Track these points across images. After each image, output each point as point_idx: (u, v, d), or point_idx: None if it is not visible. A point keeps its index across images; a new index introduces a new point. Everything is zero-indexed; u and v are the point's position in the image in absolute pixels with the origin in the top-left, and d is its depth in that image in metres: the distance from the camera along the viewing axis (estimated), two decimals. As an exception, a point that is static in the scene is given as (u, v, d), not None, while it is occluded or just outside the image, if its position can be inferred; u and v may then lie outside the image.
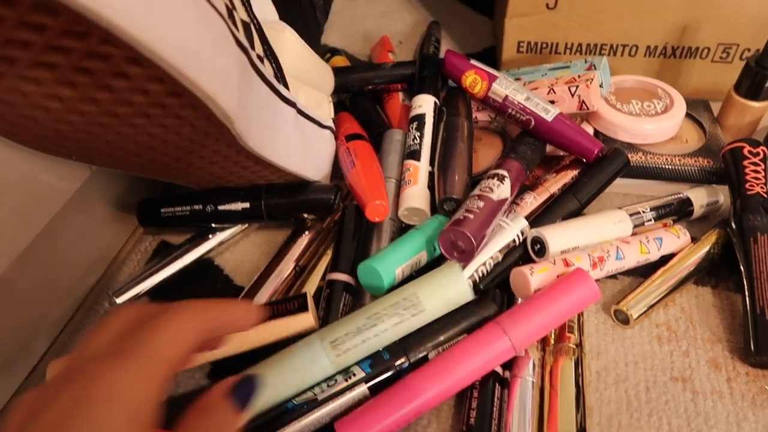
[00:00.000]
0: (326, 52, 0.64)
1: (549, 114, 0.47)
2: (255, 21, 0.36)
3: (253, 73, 0.34)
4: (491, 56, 0.66)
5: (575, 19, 0.55)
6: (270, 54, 0.37)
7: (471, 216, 0.40)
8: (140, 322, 0.22)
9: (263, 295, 0.42)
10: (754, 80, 0.49)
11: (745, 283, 0.41)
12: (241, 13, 0.34)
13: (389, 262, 0.40)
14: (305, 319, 0.37)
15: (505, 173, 0.44)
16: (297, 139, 0.42)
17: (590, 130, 0.52)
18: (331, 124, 0.47)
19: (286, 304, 0.38)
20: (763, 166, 0.45)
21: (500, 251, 0.42)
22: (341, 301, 0.41)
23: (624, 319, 0.41)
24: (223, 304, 0.25)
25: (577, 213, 0.45)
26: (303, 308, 0.37)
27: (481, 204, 0.41)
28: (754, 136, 0.53)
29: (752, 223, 0.42)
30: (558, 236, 0.41)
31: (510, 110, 0.48)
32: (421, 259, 0.42)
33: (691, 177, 0.49)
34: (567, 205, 0.45)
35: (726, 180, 0.47)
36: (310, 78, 0.43)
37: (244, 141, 0.35)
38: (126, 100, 0.27)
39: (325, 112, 0.47)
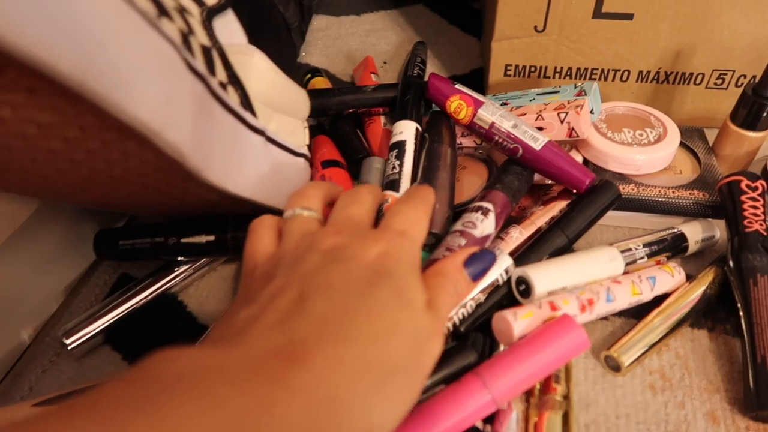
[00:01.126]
0: (306, 73, 0.61)
1: (537, 142, 0.44)
2: (217, 45, 0.33)
3: (213, 102, 0.31)
4: (479, 78, 0.64)
5: (565, 42, 0.53)
6: (235, 80, 0.35)
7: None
8: (377, 203, 0.34)
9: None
10: (751, 109, 0.46)
11: (744, 328, 0.38)
12: (200, 37, 0.31)
13: None
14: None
15: (489, 206, 0.41)
16: (267, 169, 0.39)
17: (579, 159, 0.50)
18: (305, 151, 0.45)
19: None
20: (762, 202, 0.42)
21: (482, 291, 0.39)
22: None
23: (615, 366, 0.38)
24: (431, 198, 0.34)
25: (566, 249, 0.42)
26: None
27: (463, 242, 0.38)
28: (750, 168, 0.51)
29: (751, 264, 0.39)
30: (545, 276, 0.38)
31: (496, 138, 0.45)
32: None
33: (685, 210, 0.46)
34: (554, 241, 0.42)
35: (722, 214, 0.44)
36: (283, 104, 0.41)
37: (203, 175, 0.32)
38: (59, 135, 0.24)
39: (299, 138, 0.44)
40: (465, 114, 0.46)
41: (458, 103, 0.46)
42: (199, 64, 0.30)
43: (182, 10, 0.30)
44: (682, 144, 0.50)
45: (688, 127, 0.52)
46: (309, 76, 0.60)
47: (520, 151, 0.44)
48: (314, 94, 0.51)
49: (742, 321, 0.38)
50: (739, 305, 0.39)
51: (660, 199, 0.46)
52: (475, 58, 0.68)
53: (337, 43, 0.71)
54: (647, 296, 0.40)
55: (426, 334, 0.25)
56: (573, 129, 0.47)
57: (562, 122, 0.47)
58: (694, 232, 0.44)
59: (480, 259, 0.31)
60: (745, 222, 0.41)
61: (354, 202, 0.31)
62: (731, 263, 0.41)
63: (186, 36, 0.29)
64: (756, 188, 0.43)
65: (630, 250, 0.42)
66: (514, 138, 0.44)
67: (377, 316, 0.23)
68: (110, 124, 0.24)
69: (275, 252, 0.30)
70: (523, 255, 0.41)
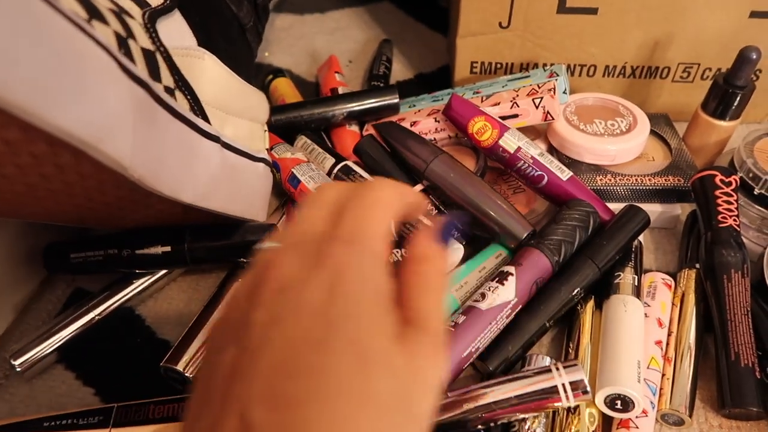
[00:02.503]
0: (268, 73, 0.59)
1: (564, 173, 0.43)
2: (162, 49, 0.31)
3: (158, 109, 0.30)
4: (445, 76, 0.63)
5: (530, 38, 0.52)
6: (183, 85, 0.33)
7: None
8: (345, 198, 0.24)
9: (195, 349, 0.37)
10: (722, 99, 0.46)
11: (716, 325, 0.38)
12: (142, 41, 0.29)
13: None
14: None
15: (511, 271, 0.38)
16: (224, 177, 0.38)
17: (543, 147, 0.49)
18: (265, 155, 0.43)
19: None
20: (735, 197, 0.42)
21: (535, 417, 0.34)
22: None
23: (677, 421, 0.35)
24: (408, 190, 0.26)
25: (596, 281, 0.39)
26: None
27: (462, 318, 0.36)
28: (719, 159, 0.50)
29: (725, 259, 0.39)
30: (633, 379, 0.34)
31: (520, 163, 0.44)
32: None
33: (663, 197, 0.46)
34: (585, 272, 0.38)
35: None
36: (239, 108, 0.39)
37: (150, 186, 0.30)
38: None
39: (259, 143, 0.42)
40: (489, 135, 0.44)
41: (483, 125, 0.45)
42: (140, 69, 0.28)
43: (120, 12, 0.29)
44: (651, 131, 0.50)
45: (654, 114, 0.52)
46: (271, 77, 0.59)
47: (545, 180, 0.43)
48: (277, 111, 0.50)
49: (715, 319, 0.38)
50: (711, 303, 0.38)
51: (638, 188, 0.46)
52: (442, 55, 0.67)
53: (301, 42, 0.69)
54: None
55: (408, 381, 0.20)
56: (548, 113, 0.46)
57: (537, 107, 0.47)
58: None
59: (448, 227, 0.26)
60: (719, 217, 0.41)
61: (305, 211, 0.25)
62: (704, 259, 0.40)
63: (124, 40, 0.27)
64: (730, 183, 0.42)
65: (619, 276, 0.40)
66: (540, 166, 0.43)
67: (336, 397, 0.18)
68: (37, 137, 0.22)
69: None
70: (550, 286, 0.38)
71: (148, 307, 0.42)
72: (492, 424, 0.33)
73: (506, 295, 0.36)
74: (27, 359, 0.37)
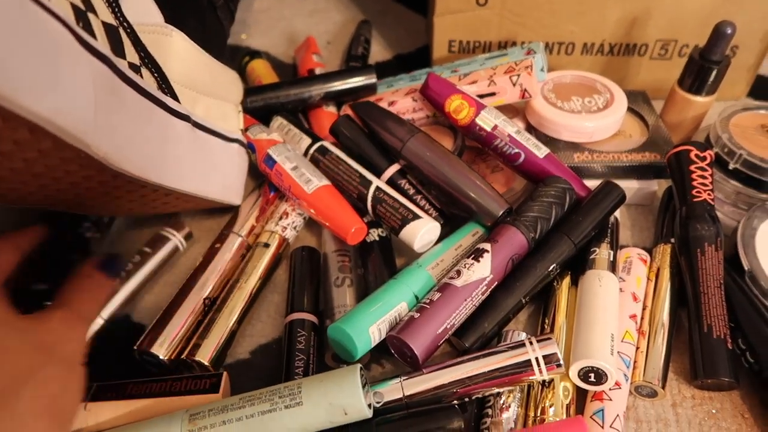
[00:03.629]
0: (245, 55, 0.58)
1: (541, 150, 0.43)
2: (126, 24, 0.31)
3: (122, 85, 0.29)
4: (424, 57, 0.62)
5: (508, 16, 0.52)
6: (149, 62, 0.32)
7: (417, 315, 0.34)
8: None
9: (170, 333, 0.37)
10: (698, 74, 0.46)
11: (689, 298, 0.38)
12: (103, 15, 0.29)
13: (360, 321, 0.34)
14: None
15: (487, 248, 0.37)
16: (196, 157, 0.37)
17: (521, 125, 0.49)
18: (239, 136, 0.43)
19: (197, 381, 0.33)
20: (710, 171, 0.42)
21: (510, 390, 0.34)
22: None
23: (651, 393, 0.35)
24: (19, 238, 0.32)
25: (572, 257, 0.39)
26: (214, 390, 0.33)
27: (437, 296, 0.35)
28: (696, 134, 0.51)
29: (699, 233, 0.39)
30: (607, 353, 0.33)
31: (497, 142, 0.44)
32: (401, 312, 0.36)
33: (641, 172, 0.46)
34: (561, 248, 0.38)
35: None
36: (210, 87, 0.38)
37: (117, 165, 0.29)
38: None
39: (232, 123, 0.42)
40: (466, 114, 0.44)
41: (459, 103, 0.44)
42: (101, 44, 0.27)
43: (79, -14, 0.28)
44: (629, 108, 0.50)
45: (632, 92, 0.52)
46: (247, 59, 0.58)
47: (522, 158, 0.43)
48: (251, 92, 0.49)
49: (688, 290, 0.38)
50: (685, 276, 0.39)
51: (615, 164, 0.46)
52: (421, 35, 0.66)
53: (280, 24, 0.69)
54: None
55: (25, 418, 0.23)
56: (525, 90, 0.46)
57: (514, 85, 0.46)
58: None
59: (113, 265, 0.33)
60: (694, 192, 0.41)
61: None
62: (679, 232, 0.40)
63: (83, 12, 0.26)
64: (704, 158, 0.42)
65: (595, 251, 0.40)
66: (517, 144, 0.43)
67: None
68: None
69: None
70: (526, 262, 0.38)
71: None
72: (467, 399, 0.34)
73: (482, 271, 0.36)
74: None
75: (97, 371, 0.37)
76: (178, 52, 0.35)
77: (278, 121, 0.49)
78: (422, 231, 0.40)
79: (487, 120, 0.44)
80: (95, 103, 0.26)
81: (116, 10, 0.30)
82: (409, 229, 0.40)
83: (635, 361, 0.36)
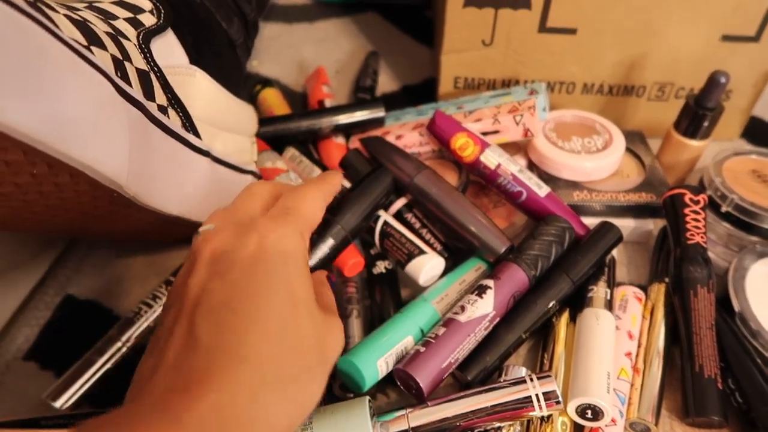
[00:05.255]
0: (256, 83, 0.60)
1: (542, 189, 0.45)
2: (156, 68, 0.32)
3: (152, 127, 0.31)
4: (430, 88, 0.64)
5: (512, 56, 0.54)
6: (176, 102, 0.34)
7: (423, 350, 0.36)
8: (280, 194, 0.30)
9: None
10: (693, 119, 0.48)
11: (682, 337, 0.40)
12: (137, 62, 0.31)
13: (369, 354, 0.36)
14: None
15: (489, 285, 0.39)
16: (212, 190, 0.39)
17: (521, 164, 0.51)
18: (253, 167, 0.44)
19: None
20: (703, 215, 0.44)
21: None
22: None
23: (644, 429, 0.37)
24: (332, 179, 0.33)
25: (571, 295, 0.41)
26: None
27: (442, 330, 0.37)
28: (691, 176, 0.53)
29: (692, 275, 0.41)
30: (603, 391, 0.35)
31: (500, 179, 0.46)
32: (407, 346, 0.38)
33: (637, 212, 0.48)
34: (560, 286, 0.40)
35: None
36: (228, 122, 0.40)
37: (143, 201, 0.31)
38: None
39: (247, 156, 0.44)
40: (471, 152, 0.46)
41: (465, 141, 0.46)
42: (136, 90, 0.29)
43: (117, 35, 0.30)
44: (626, 148, 0.52)
45: (629, 132, 0.54)
46: (259, 87, 0.60)
47: (524, 196, 0.45)
48: (264, 122, 0.51)
49: (681, 331, 0.40)
50: (679, 316, 0.40)
51: (613, 204, 0.48)
52: (426, 67, 0.69)
53: (289, 51, 0.71)
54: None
55: (322, 330, 0.25)
56: (528, 129, 0.48)
57: (517, 124, 0.48)
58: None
59: None
60: (688, 234, 0.43)
61: (241, 199, 0.30)
62: (673, 274, 0.42)
63: (120, 62, 0.28)
64: (698, 201, 0.44)
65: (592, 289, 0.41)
66: (519, 182, 0.45)
67: (267, 325, 0.23)
68: (39, 160, 0.23)
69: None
70: (526, 299, 0.40)
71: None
72: (469, 432, 0.35)
73: (485, 308, 0.38)
74: (66, 401, 0.37)
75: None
76: (201, 91, 0.37)
77: (291, 152, 0.50)
78: (427, 266, 0.41)
79: (491, 158, 0.46)
80: (130, 147, 0.28)
81: (148, 56, 0.32)
82: (415, 263, 0.41)
83: (630, 398, 0.37)
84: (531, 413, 0.34)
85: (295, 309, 0.24)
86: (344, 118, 0.52)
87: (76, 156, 0.23)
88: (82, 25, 0.26)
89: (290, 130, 0.52)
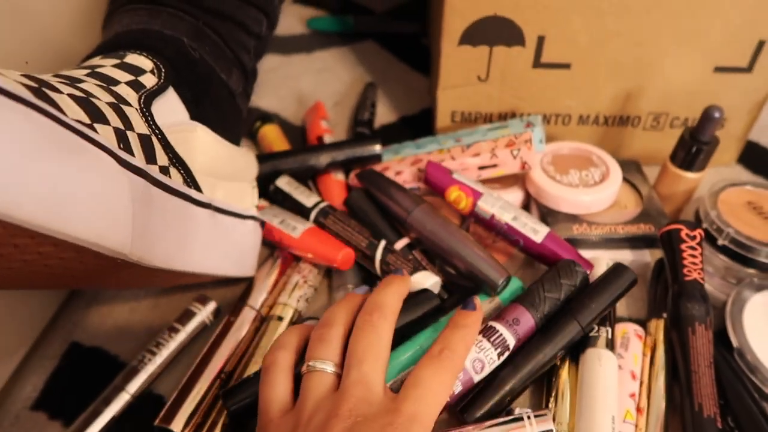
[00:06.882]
0: (256, 119, 0.61)
1: (538, 235, 0.46)
2: (157, 131, 0.33)
3: (155, 190, 0.31)
4: (428, 118, 0.65)
5: (507, 90, 0.54)
6: (177, 161, 0.35)
7: None
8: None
9: (187, 409, 0.39)
10: (688, 152, 0.49)
11: (681, 375, 0.40)
12: (138, 127, 0.31)
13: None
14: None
15: (497, 327, 0.39)
16: (215, 239, 0.39)
17: (519, 196, 0.52)
18: (254, 212, 0.45)
19: None
20: (700, 251, 0.44)
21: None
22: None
23: None
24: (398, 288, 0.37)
25: (580, 341, 0.41)
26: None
27: (458, 389, 0.38)
28: (688, 206, 0.53)
29: (690, 312, 0.41)
30: None
31: (497, 228, 0.47)
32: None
33: (636, 243, 0.49)
34: (569, 332, 0.39)
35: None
36: (229, 172, 0.41)
37: (147, 262, 0.32)
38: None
39: (248, 201, 0.44)
40: (465, 204, 0.47)
41: (458, 195, 0.47)
42: (138, 158, 0.30)
43: (119, 103, 0.30)
44: (623, 179, 0.52)
45: (625, 161, 0.55)
46: (259, 123, 0.60)
47: (521, 243, 0.46)
48: (263, 159, 0.52)
49: (680, 367, 0.40)
50: (677, 354, 0.41)
51: (612, 236, 0.48)
52: (424, 96, 0.69)
53: (287, 83, 0.71)
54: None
55: None
56: (525, 163, 0.50)
57: (515, 158, 0.49)
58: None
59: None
60: (685, 270, 0.43)
61: (367, 350, 0.31)
62: (671, 311, 0.42)
63: (123, 133, 0.29)
64: (695, 237, 0.45)
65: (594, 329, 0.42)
66: (514, 231, 0.46)
67: None
68: (45, 241, 0.24)
69: (290, 413, 0.30)
70: (532, 346, 0.39)
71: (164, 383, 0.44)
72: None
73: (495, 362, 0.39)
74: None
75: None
76: (201, 145, 0.37)
77: (285, 178, 0.51)
78: (430, 283, 0.42)
79: (484, 209, 0.47)
80: (133, 216, 0.28)
81: (149, 119, 0.32)
82: (420, 276, 0.43)
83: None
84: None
85: None
86: (342, 155, 0.53)
87: (81, 236, 0.24)
88: (86, 102, 0.27)
89: (288, 167, 0.52)
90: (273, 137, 0.59)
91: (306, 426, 0.28)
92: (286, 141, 0.59)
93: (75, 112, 0.25)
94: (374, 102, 0.65)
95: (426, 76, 0.73)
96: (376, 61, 0.75)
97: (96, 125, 0.27)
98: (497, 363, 0.39)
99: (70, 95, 0.26)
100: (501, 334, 0.39)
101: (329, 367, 0.32)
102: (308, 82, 0.72)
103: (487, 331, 0.39)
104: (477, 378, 0.38)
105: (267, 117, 0.62)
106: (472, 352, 0.38)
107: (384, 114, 0.67)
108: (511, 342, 0.39)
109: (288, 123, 0.65)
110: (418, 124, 0.65)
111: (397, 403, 0.28)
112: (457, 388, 0.38)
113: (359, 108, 0.64)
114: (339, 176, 0.55)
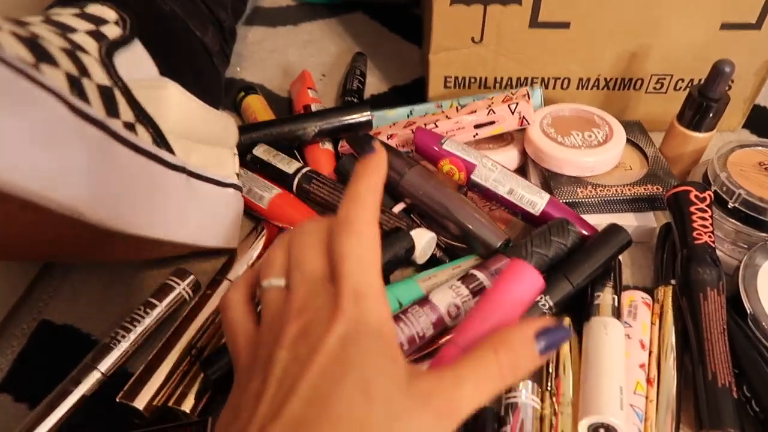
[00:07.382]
0: (240, 90, 0.58)
1: (536, 207, 0.43)
2: (120, 83, 0.30)
3: (117, 146, 0.29)
4: (420, 88, 0.62)
5: (503, 52, 0.52)
6: (144, 118, 0.32)
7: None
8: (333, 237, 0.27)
9: (154, 384, 0.36)
10: (697, 111, 0.46)
11: (693, 344, 0.37)
12: (97, 77, 0.28)
13: None
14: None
15: (478, 275, 0.37)
16: (192, 207, 0.37)
17: (514, 155, 0.50)
18: (234, 180, 0.42)
19: (181, 429, 0.33)
20: (710, 213, 0.41)
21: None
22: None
23: None
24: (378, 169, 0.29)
25: (570, 297, 0.38)
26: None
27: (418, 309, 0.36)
28: (695, 168, 0.50)
29: (701, 277, 0.39)
30: (616, 407, 0.33)
31: (496, 199, 0.45)
32: None
33: (644, 205, 0.46)
34: (560, 288, 0.38)
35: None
36: (205, 135, 0.38)
37: (110, 226, 0.29)
38: None
39: (228, 168, 0.42)
40: (458, 177, 0.45)
41: (450, 168, 0.45)
42: (95, 108, 0.27)
43: (74, 50, 0.27)
44: (627, 140, 0.50)
45: (628, 122, 0.52)
46: (242, 94, 0.58)
47: (519, 215, 0.44)
48: (244, 129, 0.49)
49: (691, 335, 0.38)
50: (688, 321, 0.38)
51: (618, 198, 0.46)
52: (416, 66, 0.66)
53: (273, 56, 0.68)
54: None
55: (405, 417, 0.23)
56: (524, 118, 0.47)
57: (513, 113, 0.47)
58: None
59: (555, 334, 0.26)
60: (695, 234, 0.41)
61: (301, 251, 0.28)
62: (680, 276, 0.40)
63: (76, 79, 0.26)
64: (704, 199, 0.42)
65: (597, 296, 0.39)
66: (510, 204, 0.44)
67: (342, 421, 0.22)
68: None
69: (253, 336, 0.28)
70: None
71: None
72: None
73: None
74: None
75: (93, 426, 0.36)
76: (173, 104, 0.34)
77: (263, 146, 0.48)
78: (425, 239, 0.40)
79: (479, 183, 0.44)
80: (88, 170, 0.25)
81: (111, 71, 0.29)
82: (415, 233, 0.41)
83: (646, 413, 0.35)
84: None
85: (374, 407, 0.23)
86: (330, 122, 0.50)
87: (21, 184, 0.21)
88: (30, 42, 0.24)
89: (273, 136, 0.50)
90: (257, 108, 0.56)
91: (267, 342, 0.26)
92: (271, 112, 0.56)
93: (16, 49, 0.23)
94: (363, 71, 0.62)
95: (418, 47, 0.70)
96: (365, 32, 0.72)
97: (42, 65, 0.24)
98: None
99: (12, 33, 0.23)
100: (480, 282, 0.37)
101: (280, 281, 0.29)
102: (295, 55, 0.69)
103: (466, 278, 0.37)
104: (451, 323, 0.36)
105: (251, 88, 0.59)
106: (447, 297, 0.36)
107: (374, 84, 0.64)
108: None
109: (274, 94, 0.62)
110: (410, 94, 0.62)
111: (337, 287, 0.26)
112: (428, 330, 0.35)
113: (347, 77, 0.61)
114: (327, 146, 0.52)
